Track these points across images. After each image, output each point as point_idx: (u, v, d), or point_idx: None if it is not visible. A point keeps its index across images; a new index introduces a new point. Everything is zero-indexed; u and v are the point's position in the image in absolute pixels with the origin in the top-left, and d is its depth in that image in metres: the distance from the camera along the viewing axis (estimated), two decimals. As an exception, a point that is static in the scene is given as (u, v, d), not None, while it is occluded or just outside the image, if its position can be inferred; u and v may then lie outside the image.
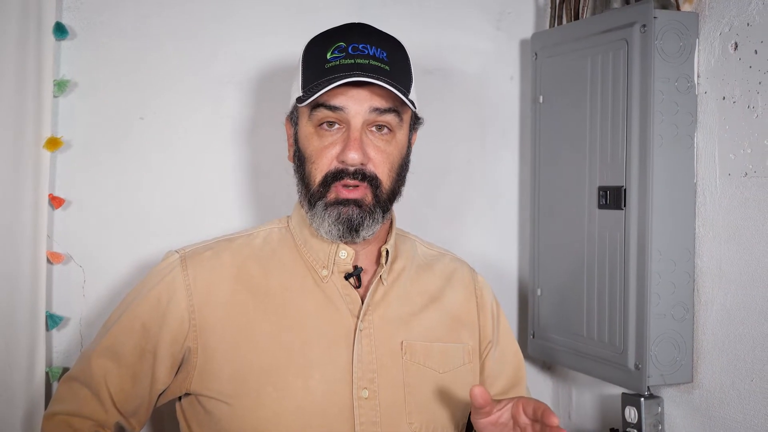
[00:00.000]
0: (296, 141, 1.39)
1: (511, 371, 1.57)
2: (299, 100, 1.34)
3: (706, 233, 1.58)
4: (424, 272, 1.51)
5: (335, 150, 1.33)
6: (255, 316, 1.36)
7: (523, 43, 2.05)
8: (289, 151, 1.45)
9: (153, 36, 1.75)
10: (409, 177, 1.45)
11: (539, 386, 2.07)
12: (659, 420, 1.65)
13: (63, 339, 1.69)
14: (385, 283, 1.42)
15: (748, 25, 1.50)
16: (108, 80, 1.72)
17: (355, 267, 1.40)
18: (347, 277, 1.39)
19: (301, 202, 1.41)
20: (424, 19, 1.96)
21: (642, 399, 1.64)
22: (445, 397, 1.41)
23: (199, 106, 1.79)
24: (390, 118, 1.34)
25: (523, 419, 1.25)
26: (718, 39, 1.55)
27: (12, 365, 1.58)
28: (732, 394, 1.54)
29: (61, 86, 1.66)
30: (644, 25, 1.56)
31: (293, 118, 1.41)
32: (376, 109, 1.32)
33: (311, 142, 1.34)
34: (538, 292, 1.89)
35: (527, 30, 2.05)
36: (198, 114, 1.79)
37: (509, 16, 2.05)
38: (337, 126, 1.34)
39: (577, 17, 1.86)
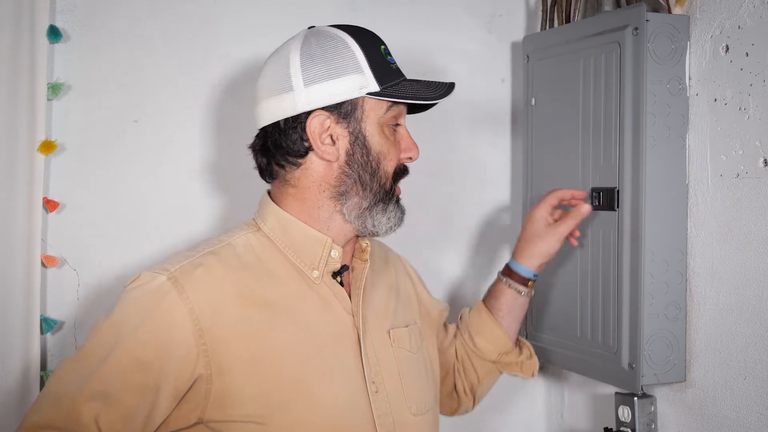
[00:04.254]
0: (356, 134, 1.33)
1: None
2: (377, 93, 1.32)
3: (699, 234, 1.60)
4: (381, 261, 1.52)
5: (398, 147, 1.37)
6: (266, 328, 1.29)
7: (515, 46, 2.06)
8: (327, 141, 1.32)
9: (147, 39, 1.75)
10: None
11: (532, 386, 2.09)
12: (652, 419, 1.67)
13: (57, 342, 1.69)
14: (366, 278, 1.42)
15: (739, 27, 1.51)
16: (102, 83, 1.72)
17: (343, 265, 1.39)
18: (335, 275, 1.38)
19: (360, 196, 1.34)
20: (415, 21, 1.97)
21: (635, 398, 1.65)
22: (423, 375, 1.47)
23: (192, 109, 1.79)
24: None
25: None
26: (710, 42, 1.57)
27: (6, 369, 1.58)
28: (725, 392, 1.55)
29: (54, 89, 1.66)
30: (636, 28, 1.57)
31: (346, 112, 1.33)
32: None
33: (385, 137, 1.35)
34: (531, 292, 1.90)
35: (518, 32, 2.06)
36: (191, 117, 1.79)
37: (500, 19, 2.06)
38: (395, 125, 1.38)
39: (568, 20, 1.87)
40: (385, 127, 1.35)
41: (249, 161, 1.81)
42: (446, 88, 1.38)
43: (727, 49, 1.54)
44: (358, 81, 1.31)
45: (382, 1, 1.94)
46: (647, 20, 1.56)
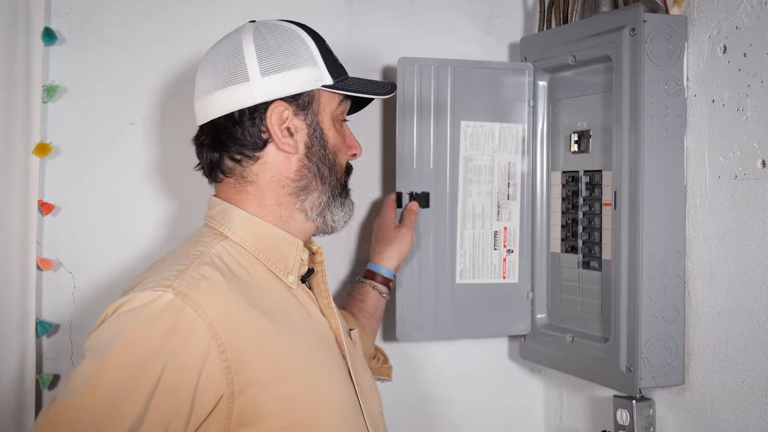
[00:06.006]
0: (314, 126, 1.33)
1: None
2: (331, 86, 1.32)
3: (697, 235, 1.59)
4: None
5: (346, 143, 1.39)
6: (275, 337, 1.24)
7: (512, 47, 2.05)
8: (286, 134, 1.31)
9: (142, 41, 1.74)
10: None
11: (530, 389, 2.08)
12: (651, 422, 1.66)
13: (53, 346, 1.69)
14: (325, 279, 1.42)
15: (736, 28, 1.51)
16: (97, 85, 1.71)
17: (309, 268, 1.38)
18: (303, 279, 1.37)
19: (319, 190, 1.33)
20: (413, 23, 1.97)
21: (634, 401, 1.64)
22: (372, 374, 1.52)
23: (188, 111, 1.77)
24: None
25: None
26: (707, 42, 1.56)
27: (2, 372, 1.57)
28: (723, 395, 1.54)
29: (50, 92, 1.65)
30: (633, 29, 1.57)
31: (304, 104, 1.32)
32: None
33: (336, 131, 1.36)
34: (530, 295, 1.89)
35: (516, 34, 2.05)
36: (187, 119, 1.77)
37: (498, 20, 2.05)
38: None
39: (566, 21, 1.86)
40: (335, 121, 1.35)
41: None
42: (390, 86, 1.41)
43: (725, 49, 1.53)
44: (314, 73, 1.31)
45: (379, 3, 1.94)
46: (644, 21, 1.56)
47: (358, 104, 1.44)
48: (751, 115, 1.48)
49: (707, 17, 1.56)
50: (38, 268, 1.65)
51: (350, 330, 1.43)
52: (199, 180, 1.79)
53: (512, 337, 2.05)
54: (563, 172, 1.83)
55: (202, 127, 1.35)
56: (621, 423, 1.66)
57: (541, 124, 1.88)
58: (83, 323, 1.70)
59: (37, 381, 1.63)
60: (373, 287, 1.69)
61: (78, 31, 1.70)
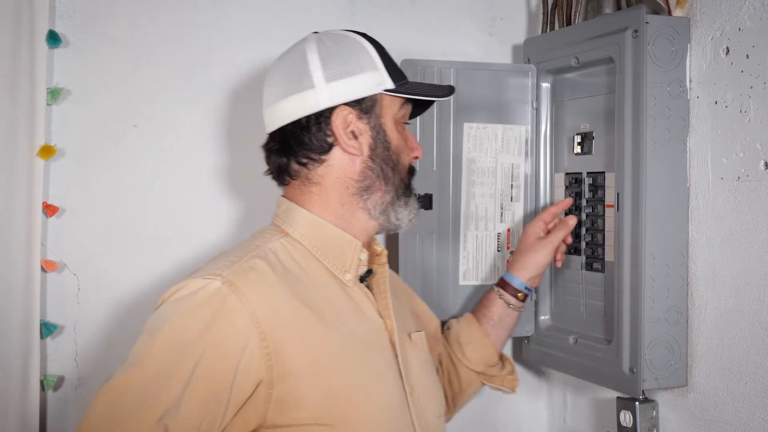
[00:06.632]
0: (377, 129, 1.37)
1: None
2: (393, 90, 1.37)
3: (700, 237, 1.59)
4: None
5: (408, 145, 1.42)
6: (320, 331, 1.28)
7: (516, 49, 2.05)
8: (350, 137, 1.35)
9: (146, 43, 1.75)
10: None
11: (534, 390, 2.08)
12: (654, 424, 1.66)
13: (57, 347, 1.69)
14: (387, 281, 1.45)
15: (739, 29, 1.50)
16: (101, 88, 1.72)
17: (368, 269, 1.42)
18: (362, 279, 1.41)
19: (382, 190, 1.38)
20: (415, 25, 1.97)
21: (637, 403, 1.64)
22: (436, 379, 1.53)
23: (192, 113, 1.79)
24: None
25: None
26: (710, 44, 1.56)
27: (6, 373, 1.58)
28: (726, 397, 1.54)
29: (54, 94, 1.66)
30: (636, 31, 1.57)
31: (367, 108, 1.37)
32: None
33: (398, 133, 1.40)
34: (533, 297, 1.89)
35: (519, 35, 2.05)
36: (191, 121, 1.79)
37: (501, 22, 2.05)
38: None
39: (569, 22, 1.87)
40: (397, 124, 1.40)
41: (249, 165, 1.82)
42: (448, 89, 1.45)
43: (728, 51, 1.53)
44: (375, 78, 1.36)
45: (381, 4, 1.94)
46: (647, 22, 1.56)
47: (419, 107, 1.48)
48: (753, 117, 1.48)
49: (710, 19, 1.56)
50: (43, 269, 1.65)
51: (412, 332, 1.47)
52: (202, 180, 1.80)
53: (515, 339, 2.05)
54: (566, 173, 1.83)
55: (271, 134, 1.41)
56: (624, 425, 1.66)
57: (544, 126, 1.88)
58: (87, 325, 1.71)
59: (41, 382, 1.64)
60: (500, 296, 1.67)
61: (82, 34, 1.70)
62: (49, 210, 1.66)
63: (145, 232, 1.76)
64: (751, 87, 1.48)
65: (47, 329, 1.65)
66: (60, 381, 1.69)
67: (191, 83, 1.78)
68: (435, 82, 1.81)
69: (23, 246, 1.60)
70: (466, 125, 1.85)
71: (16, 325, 1.59)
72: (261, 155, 1.81)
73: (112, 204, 1.73)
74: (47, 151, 1.64)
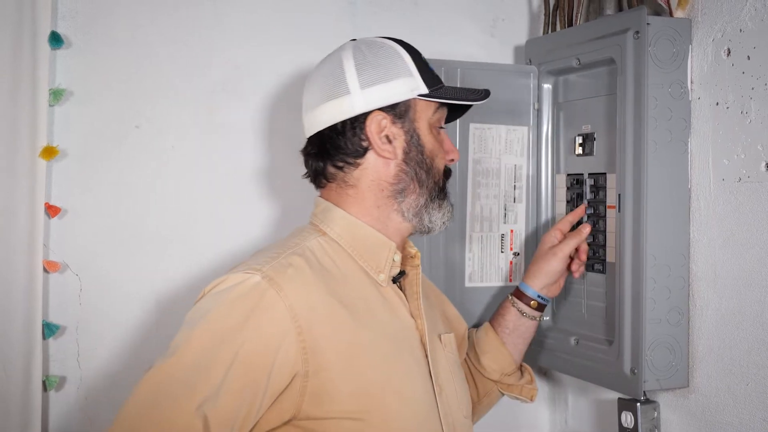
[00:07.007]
0: (411, 133, 1.41)
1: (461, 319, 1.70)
2: (427, 95, 1.40)
3: (701, 238, 1.59)
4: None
5: (444, 148, 1.45)
6: (354, 328, 1.31)
7: (517, 50, 2.05)
8: (384, 141, 1.38)
9: (148, 44, 1.75)
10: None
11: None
12: (655, 425, 1.66)
13: (59, 348, 1.69)
14: (420, 283, 1.47)
15: (740, 31, 1.51)
16: (103, 89, 1.72)
17: (401, 270, 1.45)
18: (395, 280, 1.43)
19: (416, 193, 1.41)
20: (417, 26, 1.97)
21: (638, 404, 1.64)
22: (465, 381, 1.55)
23: (194, 114, 1.79)
24: None
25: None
26: (711, 45, 1.56)
27: (8, 374, 1.58)
28: (728, 398, 1.54)
29: (56, 95, 1.66)
30: (637, 32, 1.57)
31: (401, 113, 1.39)
32: None
33: (433, 137, 1.43)
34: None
35: (521, 37, 2.05)
36: (193, 122, 1.79)
37: (503, 23, 2.05)
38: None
39: (570, 24, 1.87)
40: (432, 128, 1.42)
41: (251, 165, 1.83)
42: (484, 93, 1.48)
43: (729, 52, 1.53)
44: (410, 84, 1.39)
45: (383, 6, 1.94)
46: (648, 24, 1.56)
47: (456, 111, 1.50)
48: (755, 118, 1.48)
49: (711, 20, 1.56)
50: (45, 270, 1.66)
51: (442, 334, 1.50)
52: (204, 181, 1.80)
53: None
54: (568, 174, 1.83)
55: (310, 138, 1.44)
56: (626, 426, 1.66)
57: (546, 127, 1.88)
58: (90, 325, 1.71)
59: (43, 383, 1.64)
60: (513, 304, 1.68)
61: (84, 35, 1.71)
62: (52, 211, 1.67)
63: (147, 232, 1.76)
64: (753, 88, 1.48)
65: (49, 330, 1.66)
66: (62, 381, 1.69)
67: (193, 84, 1.78)
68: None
69: (25, 247, 1.61)
70: (472, 126, 1.85)
71: (18, 326, 1.59)
72: (262, 155, 1.83)
73: (114, 205, 1.73)
74: (49, 152, 1.64)
